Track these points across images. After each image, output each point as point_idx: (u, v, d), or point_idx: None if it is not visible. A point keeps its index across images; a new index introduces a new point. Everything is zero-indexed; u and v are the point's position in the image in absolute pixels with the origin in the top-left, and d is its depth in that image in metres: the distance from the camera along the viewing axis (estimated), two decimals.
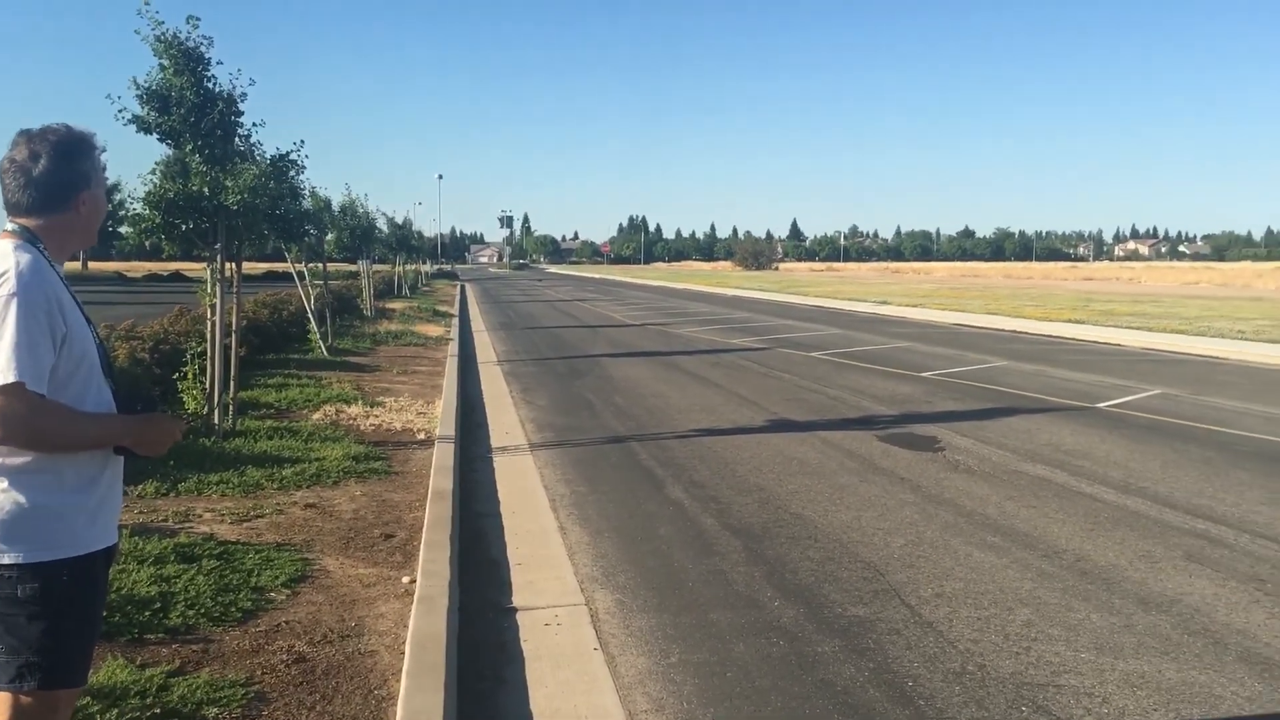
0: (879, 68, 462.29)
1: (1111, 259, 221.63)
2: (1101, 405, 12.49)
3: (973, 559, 6.22)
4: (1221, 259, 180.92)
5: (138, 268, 69.56)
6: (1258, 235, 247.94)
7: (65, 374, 2.44)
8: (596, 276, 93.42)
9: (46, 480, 2.44)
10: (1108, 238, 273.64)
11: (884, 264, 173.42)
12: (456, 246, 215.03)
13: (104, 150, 2.65)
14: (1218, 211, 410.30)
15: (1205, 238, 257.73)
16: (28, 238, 2.49)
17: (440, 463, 8.29)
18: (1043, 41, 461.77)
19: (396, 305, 33.45)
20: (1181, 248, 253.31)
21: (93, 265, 75.01)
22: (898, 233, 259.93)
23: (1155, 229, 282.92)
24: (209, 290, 9.16)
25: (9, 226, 2.53)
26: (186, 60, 8.34)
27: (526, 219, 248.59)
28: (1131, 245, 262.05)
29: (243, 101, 8.80)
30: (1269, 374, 16.36)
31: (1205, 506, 7.53)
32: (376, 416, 10.65)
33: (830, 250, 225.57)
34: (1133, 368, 16.95)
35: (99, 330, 2.70)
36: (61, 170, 2.52)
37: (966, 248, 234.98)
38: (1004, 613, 5.30)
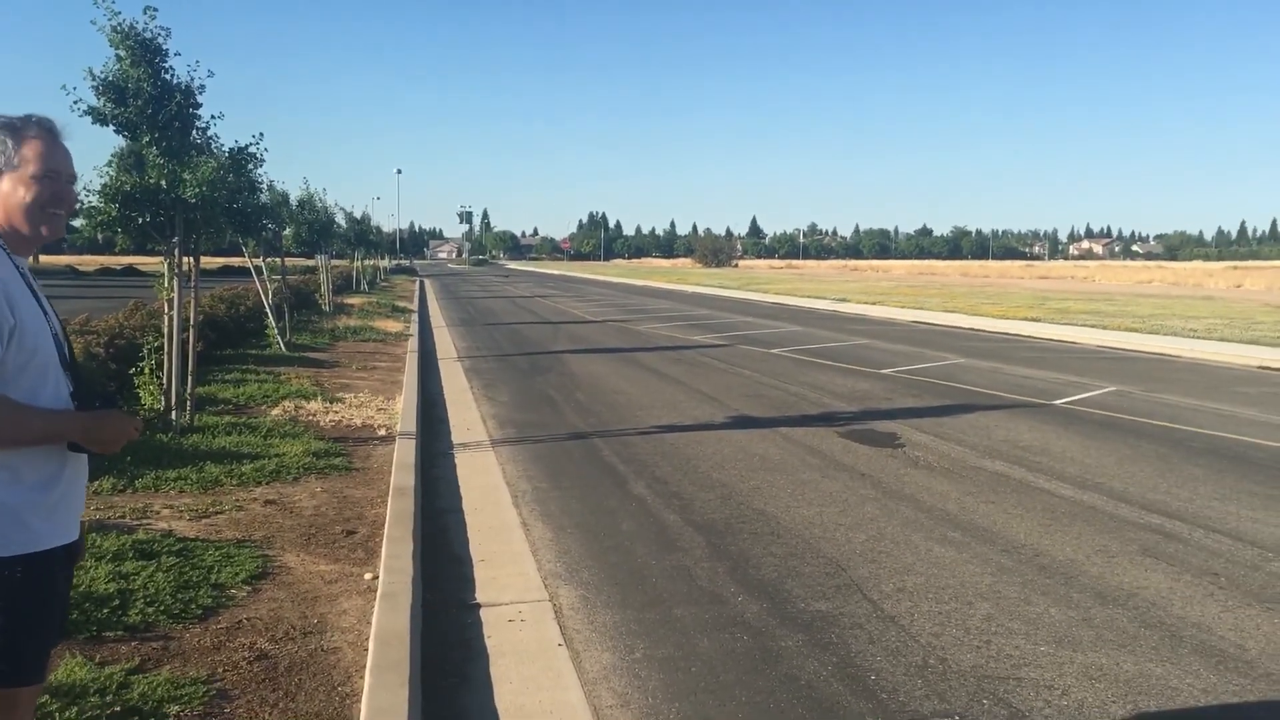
0: (838, 68, 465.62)
1: (1066, 258, 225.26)
2: (1058, 402, 12.66)
3: (933, 554, 6.28)
4: (1174, 258, 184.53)
5: (90, 261, 68.56)
6: (1209, 235, 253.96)
7: (15, 368, 2.38)
8: (556, 273, 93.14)
9: (2, 477, 2.38)
10: (1063, 237, 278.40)
11: (843, 262, 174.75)
12: (415, 242, 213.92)
13: (26, 138, 2.50)
14: (1170, 212, 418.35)
15: (1158, 238, 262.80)
16: None
17: (401, 459, 8.24)
18: (999, 44, 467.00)
19: (355, 301, 33.20)
20: (1135, 247, 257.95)
21: (45, 259, 73.68)
22: (856, 231, 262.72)
23: (1109, 228, 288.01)
24: (166, 284, 9.04)
25: None
26: (144, 51, 8.23)
27: (486, 215, 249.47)
28: (1086, 244, 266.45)
29: (201, 94, 8.72)
30: (1221, 371, 16.66)
31: (1160, 502, 7.66)
32: (336, 412, 10.56)
33: (790, 248, 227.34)
34: (1088, 365, 17.18)
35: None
36: None
37: (924, 246, 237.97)
38: (964, 607, 5.36)
